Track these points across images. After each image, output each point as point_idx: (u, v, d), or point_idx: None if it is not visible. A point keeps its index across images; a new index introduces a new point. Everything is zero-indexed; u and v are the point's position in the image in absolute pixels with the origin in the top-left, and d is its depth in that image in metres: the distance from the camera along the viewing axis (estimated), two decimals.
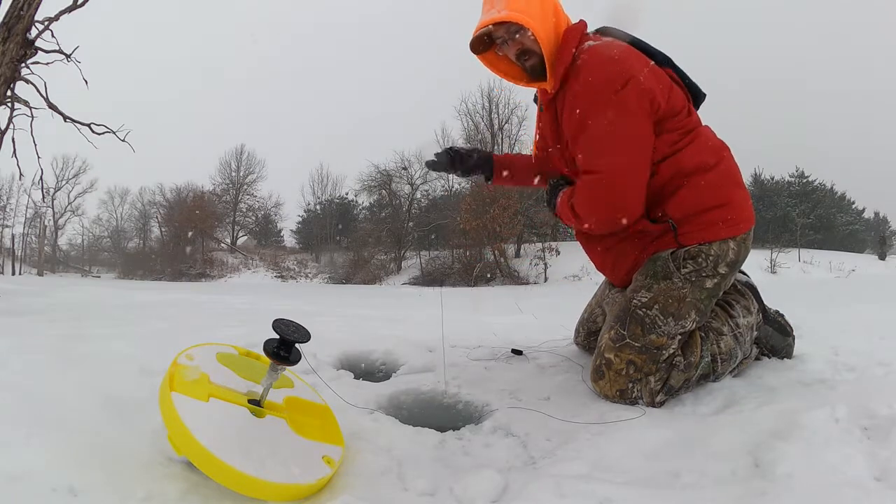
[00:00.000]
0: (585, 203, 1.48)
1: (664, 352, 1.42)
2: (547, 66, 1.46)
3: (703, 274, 1.45)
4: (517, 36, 1.47)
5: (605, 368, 1.45)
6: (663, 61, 1.51)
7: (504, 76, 1.62)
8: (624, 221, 1.45)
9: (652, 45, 1.53)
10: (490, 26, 1.45)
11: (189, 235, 32.43)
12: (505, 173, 1.86)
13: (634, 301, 1.47)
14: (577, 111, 1.43)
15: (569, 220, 1.56)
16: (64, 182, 37.10)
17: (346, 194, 35.86)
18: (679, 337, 1.44)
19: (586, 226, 1.52)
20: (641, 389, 1.41)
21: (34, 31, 4.36)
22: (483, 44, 1.52)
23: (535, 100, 1.72)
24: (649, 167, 1.44)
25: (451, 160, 1.80)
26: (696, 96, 1.60)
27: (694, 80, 1.59)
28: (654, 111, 1.41)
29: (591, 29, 1.57)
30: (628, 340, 1.44)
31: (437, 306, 5.30)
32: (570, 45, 1.45)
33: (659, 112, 1.42)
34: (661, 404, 1.42)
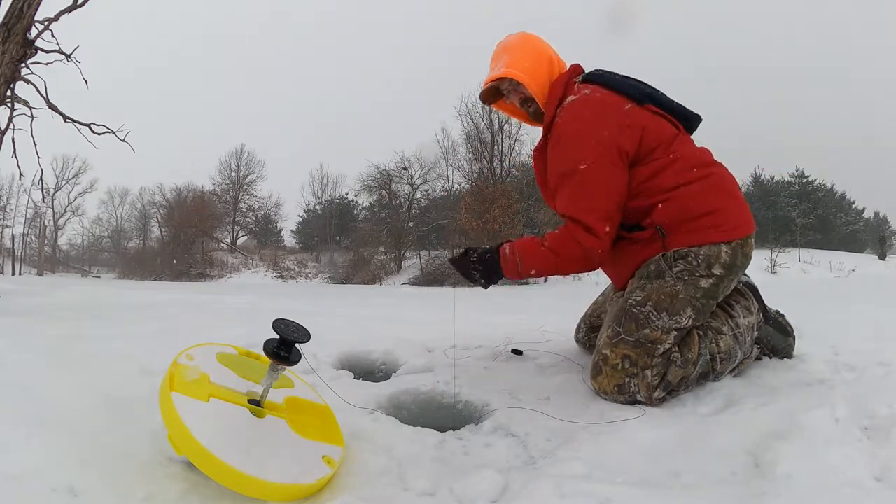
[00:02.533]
0: (560, 244, 1.56)
1: (659, 346, 1.44)
2: (544, 111, 1.66)
3: (697, 273, 1.48)
4: (518, 88, 1.68)
5: (602, 364, 1.48)
6: (644, 98, 1.59)
7: (518, 118, 1.84)
8: (594, 262, 1.58)
9: (638, 81, 1.66)
10: (496, 80, 1.68)
11: (188, 235, 32.43)
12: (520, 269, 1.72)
13: (630, 301, 1.51)
14: (554, 163, 1.60)
15: (541, 263, 1.58)
16: (64, 182, 37.17)
17: (346, 194, 35.89)
18: (675, 332, 1.45)
19: (561, 263, 1.58)
20: (639, 384, 1.42)
21: (34, 31, 4.36)
22: (493, 95, 1.77)
23: None
24: (620, 209, 1.55)
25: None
26: (689, 121, 1.68)
27: (685, 105, 1.67)
28: (625, 158, 1.53)
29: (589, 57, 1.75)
30: (623, 336, 1.47)
31: (438, 307, 5.30)
32: (553, 101, 1.63)
33: (630, 156, 1.54)
34: (659, 401, 1.42)
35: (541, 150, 1.70)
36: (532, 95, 1.65)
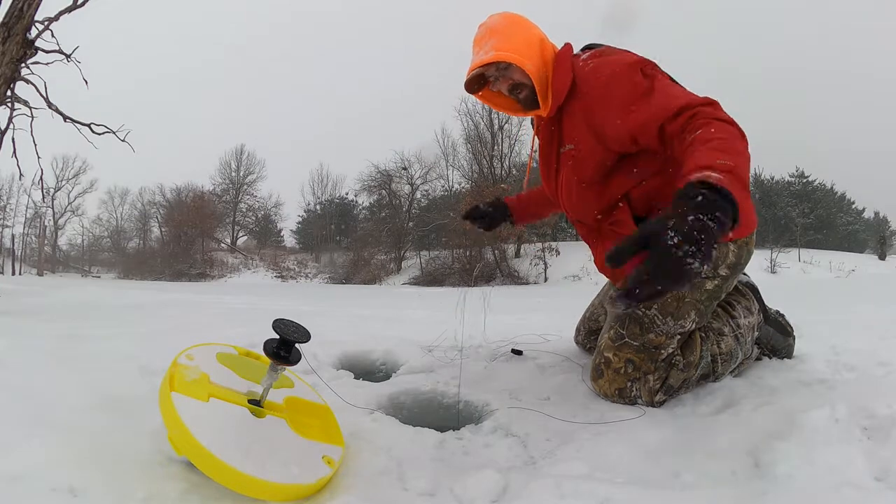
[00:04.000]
0: (731, 129, 1.15)
1: (663, 351, 1.42)
2: (538, 94, 1.51)
3: (703, 275, 1.45)
4: (506, 72, 1.52)
5: (603, 367, 1.46)
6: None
7: (500, 108, 1.69)
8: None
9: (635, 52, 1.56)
10: (482, 67, 1.51)
11: (188, 235, 32.41)
12: (524, 214, 2.04)
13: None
14: (615, 99, 1.37)
15: (742, 163, 1.04)
16: (64, 182, 37.18)
17: (346, 194, 35.94)
18: (678, 336, 1.44)
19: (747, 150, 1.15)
20: (640, 388, 1.41)
21: (34, 31, 4.36)
22: (478, 83, 1.59)
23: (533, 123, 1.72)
24: None
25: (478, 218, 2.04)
26: None
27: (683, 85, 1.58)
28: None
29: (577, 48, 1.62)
30: (627, 340, 1.44)
31: (438, 307, 5.30)
32: (566, 66, 1.49)
33: None
34: (660, 404, 1.42)
35: (549, 124, 1.56)
36: (524, 79, 1.50)
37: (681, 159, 1.15)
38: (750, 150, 1.13)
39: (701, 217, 0.88)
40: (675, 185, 1.00)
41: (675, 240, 0.86)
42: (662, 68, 1.54)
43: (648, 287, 0.88)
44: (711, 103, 1.23)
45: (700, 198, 0.90)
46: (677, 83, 1.52)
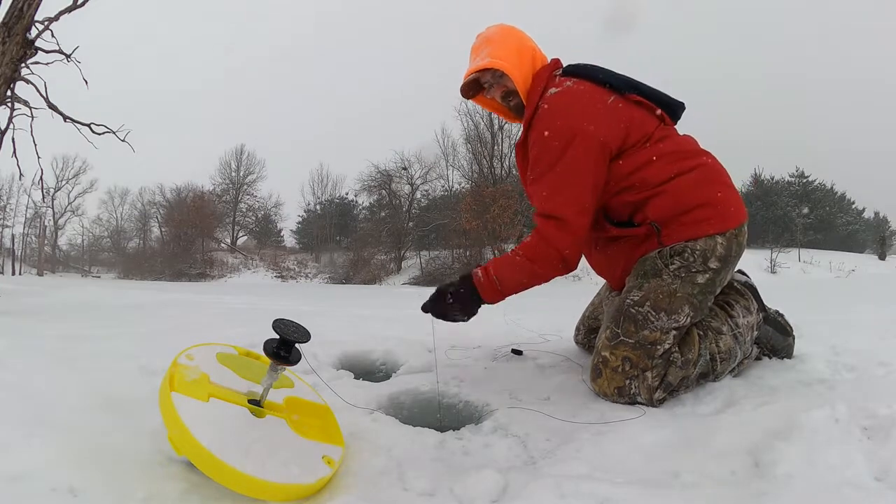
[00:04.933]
0: (533, 250, 1.51)
1: (659, 347, 1.43)
2: (525, 104, 1.61)
3: (693, 269, 1.47)
4: (501, 80, 1.63)
5: (602, 366, 1.47)
6: (626, 87, 1.57)
7: (496, 112, 1.80)
8: (570, 262, 1.52)
9: (618, 72, 1.62)
10: (478, 73, 1.62)
11: (188, 235, 32.43)
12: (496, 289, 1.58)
13: (627, 301, 1.49)
14: (535, 156, 1.54)
15: (520, 274, 1.52)
16: (64, 182, 37.19)
17: (346, 194, 35.93)
18: (674, 332, 1.44)
19: (538, 270, 1.52)
20: (639, 386, 1.41)
21: (34, 31, 4.36)
22: (473, 88, 1.70)
23: None
24: (596, 206, 1.54)
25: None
26: (673, 108, 1.64)
27: (668, 93, 1.64)
28: (607, 154, 1.50)
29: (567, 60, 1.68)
30: (622, 338, 1.46)
31: None
32: (536, 92, 1.58)
33: (613, 151, 1.51)
34: (660, 402, 1.42)
35: (522, 145, 1.66)
36: (515, 88, 1.59)
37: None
38: (542, 269, 1.52)
39: (460, 291, 1.55)
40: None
41: (450, 299, 1.54)
42: (643, 85, 1.60)
43: (432, 310, 1.58)
44: (551, 218, 1.49)
45: (463, 287, 1.55)
46: (661, 105, 1.60)
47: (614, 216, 1.59)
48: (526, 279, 1.53)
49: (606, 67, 1.63)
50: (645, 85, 1.61)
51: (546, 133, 1.51)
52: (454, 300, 1.53)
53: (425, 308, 1.58)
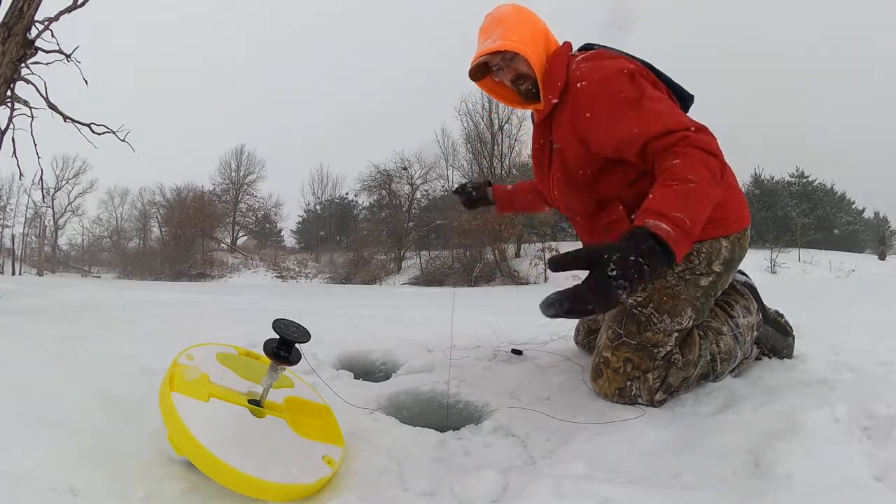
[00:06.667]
0: (700, 166, 1.20)
1: (661, 349, 1.42)
2: (541, 86, 1.53)
3: (697, 272, 1.46)
4: (511, 63, 1.54)
5: (602, 367, 1.46)
6: (643, 63, 1.52)
7: (501, 100, 1.71)
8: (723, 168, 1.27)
9: (632, 54, 1.56)
10: (488, 55, 1.52)
11: (188, 235, 32.42)
12: (508, 203, 2.10)
13: (630, 301, 1.48)
14: (601, 107, 1.40)
15: (707, 205, 1.19)
16: (64, 182, 37.20)
17: (346, 194, 35.95)
18: (676, 334, 1.44)
19: (716, 191, 1.22)
20: (640, 387, 1.41)
21: (34, 31, 4.36)
22: (481, 71, 1.60)
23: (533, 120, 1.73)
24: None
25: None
26: (684, 100, 1.61)
27: (679, 83, 1.59)
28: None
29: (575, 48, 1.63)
30: (625, 339, 1.45)
31: (438, 307, 5.30)
32: (562, 64, 1.50)
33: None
34: (660, 403, 1.42)
35: (544, 123, 1.57)
36: (528, 71, 1.51)
37: (655, 177, 1.25)
38: (717, 190, 1.21)
39: (641, 261, 1.04)
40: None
41: (615, 273, 1.01)
42: (659, 69, 1.54)
43: (579, 303, 1.03)
44: (700, 129, 1.26)
45: (645, 247, 1.06)
46: (672, 93, 1.55)
47: (631, 206, 1.49)
48: (707, 209, 1.19)
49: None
50: (660, 71, 1.56)
51: (600, 76, 1.39)
52: (634, 269, 1.02)
53: (573, 296, 1.04)
